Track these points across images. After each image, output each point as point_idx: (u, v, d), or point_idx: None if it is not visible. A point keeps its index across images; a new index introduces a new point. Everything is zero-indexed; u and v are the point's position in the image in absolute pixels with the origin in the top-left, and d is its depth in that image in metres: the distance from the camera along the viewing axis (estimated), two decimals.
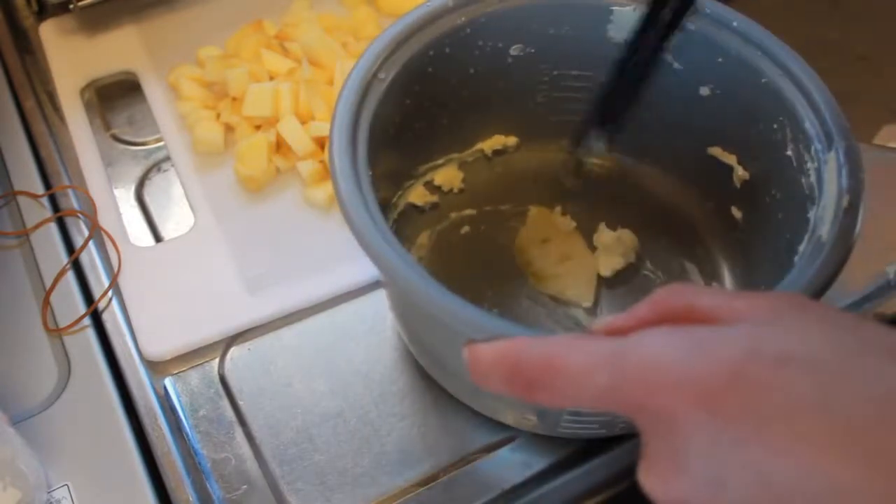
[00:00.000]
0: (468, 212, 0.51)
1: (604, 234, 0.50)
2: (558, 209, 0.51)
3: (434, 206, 0.51)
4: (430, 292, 0.33)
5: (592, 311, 0.48)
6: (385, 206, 0.46)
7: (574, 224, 0.51)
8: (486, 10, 0.44)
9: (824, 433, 0.20)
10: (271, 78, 0.58)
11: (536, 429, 0.43)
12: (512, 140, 0.52)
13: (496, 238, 0.51)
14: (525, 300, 0.49)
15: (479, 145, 0.51)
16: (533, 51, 0.47)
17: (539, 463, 0.44)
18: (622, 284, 0.49)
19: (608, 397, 0.24)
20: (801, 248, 0.37)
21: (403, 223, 0.49)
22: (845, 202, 0.37)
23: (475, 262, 0.50)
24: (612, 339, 0.25)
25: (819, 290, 0.35)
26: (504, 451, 0.44)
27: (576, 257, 0.50)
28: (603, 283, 0.49)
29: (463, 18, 0.44)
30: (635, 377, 0.24)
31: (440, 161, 0.51)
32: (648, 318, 0.26)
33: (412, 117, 0.45)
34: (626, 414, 0.24)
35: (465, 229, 0.51)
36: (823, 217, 0.37)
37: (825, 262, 0.35)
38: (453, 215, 0.51)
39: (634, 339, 0.24)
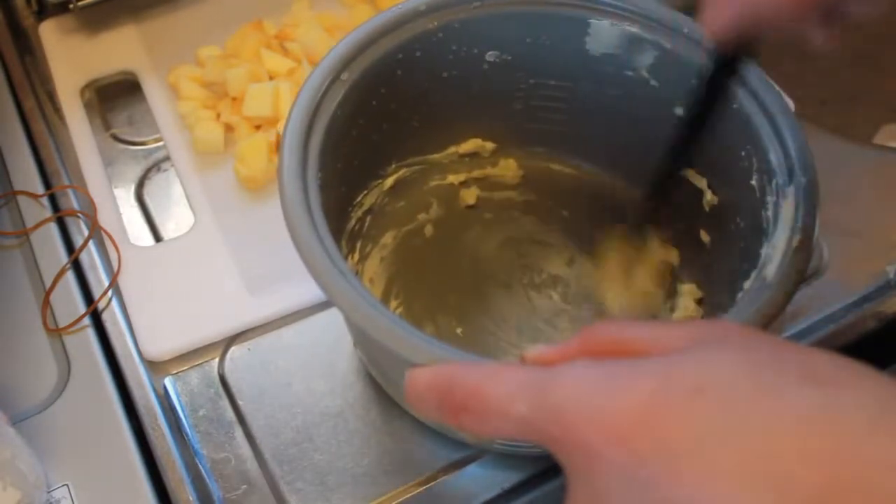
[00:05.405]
0: (436, 213, 0.50)
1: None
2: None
3: (402, 206, 0.50)
4: (363, 309, 0.33)
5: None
6: (349, 205, 0.45)
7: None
8: (460, 16, 0.43)
9: (734, 463, 0.20)
10: (271, 78, 0.58)
11: (476, 442, 0.42)
12: (489, 145, 0.51)
13: (461, 241, 0.50)
14: (490, 305, 0.48)
15: (454, 148, 0.51)
16: (509, 58, 0.46)
17: (541, 461, 0.44)
18: None
19: (527, 429, 0.24)
20: (747, 284, 0.36)
21: (369, 222, 0.48)
22: (796, 241, 0.35)
23: (440, 265, 0.49)
24: (538, 370, 0.24)
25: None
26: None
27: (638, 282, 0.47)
28: None
29: (435, 23, 0.43)
30: (552, 411, 0.23)
31: (411, 162, 0.49)
32: (577, 351, 0.26)
33: (379, 118, 0.44)
34: (546, 447, 0.24)
35: (430, 231, 0.50)
36: (772, 256, 0.35)
37: (766, 304, 0.34)
38: (421, 216, 0.50)
39: (555, 371, 0.24)
